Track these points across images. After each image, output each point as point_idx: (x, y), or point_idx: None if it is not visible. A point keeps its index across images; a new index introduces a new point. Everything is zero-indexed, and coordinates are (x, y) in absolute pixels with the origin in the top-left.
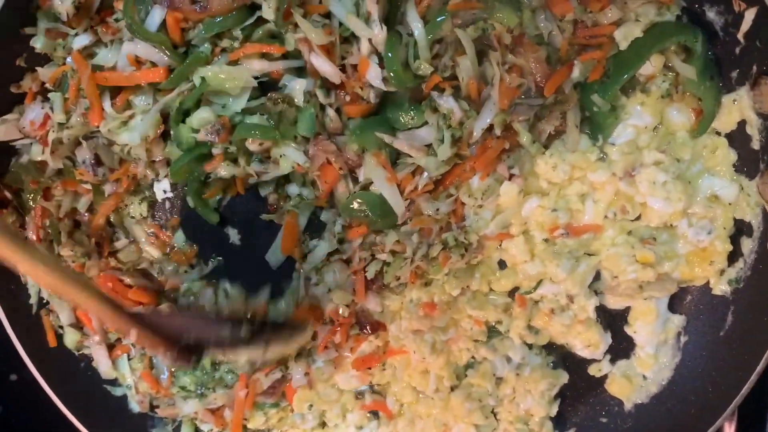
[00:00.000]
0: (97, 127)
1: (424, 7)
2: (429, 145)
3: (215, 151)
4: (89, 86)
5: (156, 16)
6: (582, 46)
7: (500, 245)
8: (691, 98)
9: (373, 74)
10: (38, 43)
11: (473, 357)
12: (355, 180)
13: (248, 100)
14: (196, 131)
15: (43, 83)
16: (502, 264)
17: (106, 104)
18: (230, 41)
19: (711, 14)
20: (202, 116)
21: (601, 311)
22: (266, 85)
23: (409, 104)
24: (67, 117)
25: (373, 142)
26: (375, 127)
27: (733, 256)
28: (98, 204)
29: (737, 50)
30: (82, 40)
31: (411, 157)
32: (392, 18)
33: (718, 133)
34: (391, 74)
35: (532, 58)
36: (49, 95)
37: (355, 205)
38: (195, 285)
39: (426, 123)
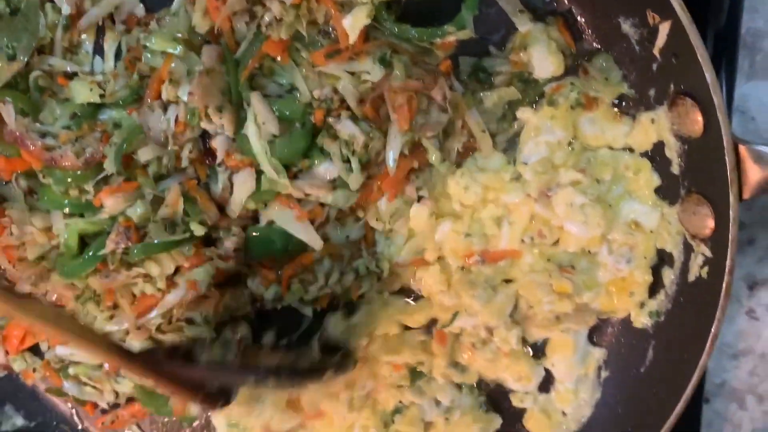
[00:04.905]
0: None
1: None
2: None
3: None
4: None
5: None
6: None
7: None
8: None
9: None
10: None
11: (400, 401)
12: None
13: None
14: None
15: None
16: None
17: None
18: None
19: (626, 27)
20: None
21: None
22: None
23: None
24: None
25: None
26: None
27: (654, 288)
28: None
29: (654, 67)
30: None
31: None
32: None
33: (642, 155)
34: None
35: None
36: None
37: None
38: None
39: (322, 160)
